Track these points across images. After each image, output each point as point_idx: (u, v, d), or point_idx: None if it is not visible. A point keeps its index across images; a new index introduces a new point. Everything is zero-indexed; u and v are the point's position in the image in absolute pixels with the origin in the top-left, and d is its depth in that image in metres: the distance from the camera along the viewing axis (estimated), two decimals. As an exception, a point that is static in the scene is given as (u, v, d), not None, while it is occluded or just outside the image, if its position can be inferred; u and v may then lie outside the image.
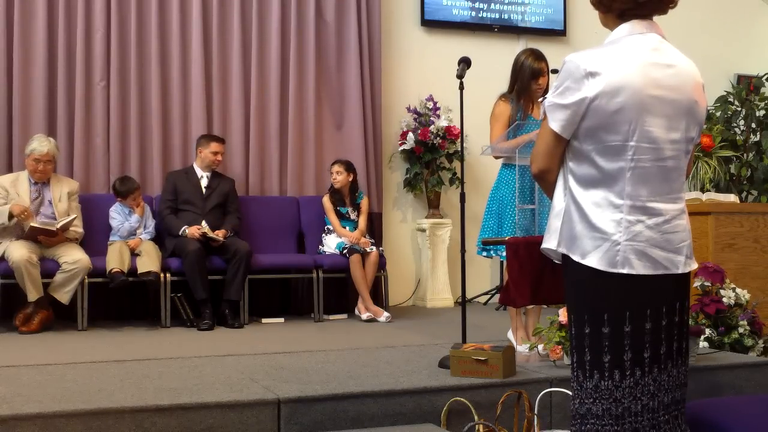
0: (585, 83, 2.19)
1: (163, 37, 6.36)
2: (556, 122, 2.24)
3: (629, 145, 2.20)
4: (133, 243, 5.65)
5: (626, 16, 2.29)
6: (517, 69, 4.44)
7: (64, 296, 5.30)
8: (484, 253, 4.47)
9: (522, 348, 4.09)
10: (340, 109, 6.83)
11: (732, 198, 5.36)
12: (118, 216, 5.74)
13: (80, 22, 6.14)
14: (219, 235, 5.74)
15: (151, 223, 5.86)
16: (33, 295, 5.19)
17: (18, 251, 5.17)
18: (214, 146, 6.01)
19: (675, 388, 2.28)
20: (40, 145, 5.50)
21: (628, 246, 2.20)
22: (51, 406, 2.92)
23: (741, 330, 4.36)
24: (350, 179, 6.28)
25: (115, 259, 5.42)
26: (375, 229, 6.70)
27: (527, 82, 4.40)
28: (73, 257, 5.31)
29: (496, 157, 4.50)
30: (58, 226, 5.36)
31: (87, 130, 6.15)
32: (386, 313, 5.85)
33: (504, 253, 4.33)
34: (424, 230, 6.98)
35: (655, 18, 2.31)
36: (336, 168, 6.27)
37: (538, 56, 4.42)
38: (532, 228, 4.34)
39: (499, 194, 4.45)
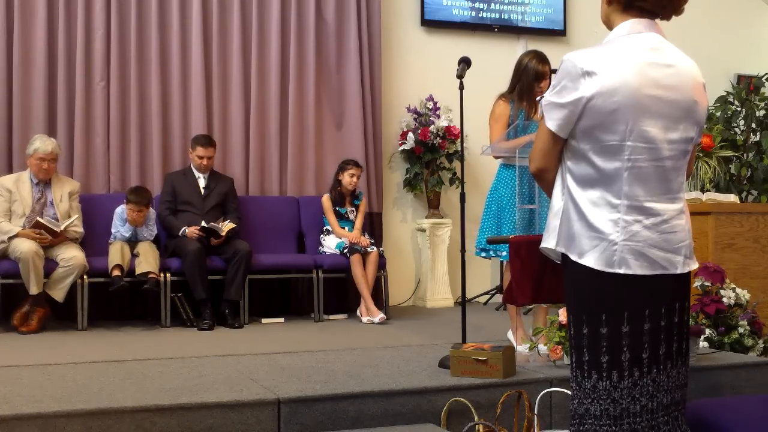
0: (582, 82, 2.18)
1: (163, 37, 6.36)
2: (552, 121, 2.24)
3: (626, 145, 2.20)
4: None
5: (631, 8, 2.28)
6: (520, 70, 4.44)
7: (58, 293, 5.30)
8: (483, 254, 4.46)
9: (522, 348, 4.09)
10: (340, 109, 6.83)
11: (732, 198, 5.36)
12: (117, 221, 5.72)
13: (80, 22, 6.14)
14: (224, 226, 5.72)
15: (150, 229, 5.77)
16: (34, 288, 5.20)
17: (26, 243, 5.22)
18: (200, 150, 5.95)
19: (674, 389, 2.27)
20: (43, 144, 5.51)
21: (626, 246, 2.20)
22: (51, 406, 2.92)
23: (741, 330, 4.36)
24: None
25: (117, 258, 5.43)
26: (375, 229, 6.70)
27: (530, 84, 4.40)
28: (69, 255, 5.32)
29: (497, 157, 4.50)
30: (62, 227, 5.37)
31: (87, 130, 6.16)
32: (381, 314, 5.79)
33: (503, 254, 4.33)
34: (424, 230, 6.98)
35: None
36: (354, 171, 6.20)
37: (542, 59, 4.42)
38: (531, 228, 4.33)
39: (498, 195, 4.44)
